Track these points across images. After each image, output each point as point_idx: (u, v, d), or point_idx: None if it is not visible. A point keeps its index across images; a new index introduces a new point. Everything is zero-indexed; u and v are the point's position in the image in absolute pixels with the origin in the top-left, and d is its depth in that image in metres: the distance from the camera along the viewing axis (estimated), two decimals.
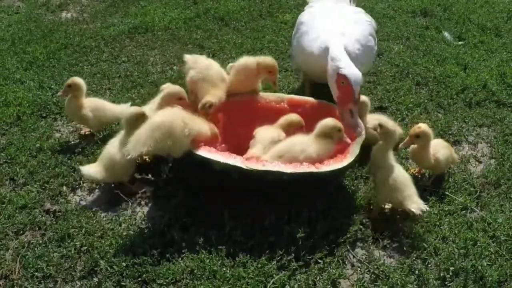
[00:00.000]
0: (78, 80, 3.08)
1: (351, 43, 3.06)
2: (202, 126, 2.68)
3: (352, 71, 2.75)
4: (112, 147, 2.73)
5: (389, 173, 2.56)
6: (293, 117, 2.85)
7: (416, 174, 2.93)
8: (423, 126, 2.72)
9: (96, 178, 2.69)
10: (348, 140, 2.69)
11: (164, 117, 2.57)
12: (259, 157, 2.60)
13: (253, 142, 2.80)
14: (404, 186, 2.55)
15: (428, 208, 2.54)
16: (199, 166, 2.64)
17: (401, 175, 2.58)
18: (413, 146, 2.80)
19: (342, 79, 2.74)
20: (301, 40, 3.22)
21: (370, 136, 2.84)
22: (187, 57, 3.06)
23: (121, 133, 2.74)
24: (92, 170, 2.68)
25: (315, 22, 3.23)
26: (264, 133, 2.80)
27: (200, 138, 2.64)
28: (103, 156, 2.73)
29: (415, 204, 2.50)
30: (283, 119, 2.85)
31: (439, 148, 2.83)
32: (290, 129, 2.80)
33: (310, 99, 3.12)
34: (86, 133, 3.24)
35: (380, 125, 2.63)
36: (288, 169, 2.50)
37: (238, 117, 3.05)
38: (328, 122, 2.68)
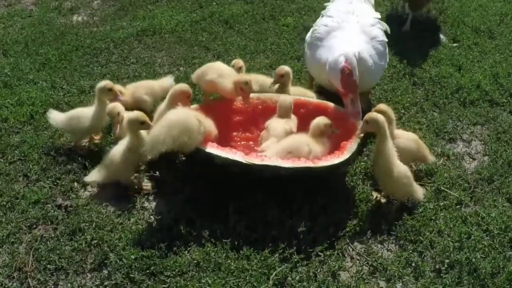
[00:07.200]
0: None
1: (362, 62, 3.08)
2: (211, 124, 2.73)
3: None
4: (115, 148, 2.78)
5: (393, 174, 2.62)
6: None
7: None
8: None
9: (95, 180, 2.78)
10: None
11: (179, 115, 2.58)
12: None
13: (265, 134, 2.83)
14: (407, 185, 2.66)
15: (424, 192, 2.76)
16: (202, 160, 2.68)
17: (403, 171, 2.64)
18: None
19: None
20: (315, 54, 3.23)
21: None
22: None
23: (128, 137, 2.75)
24: (93, 175, 2.80)
25: (331, 39, 3.21)
26: (277, 124, 2.82)
27: (208, 136, 2.67)
28: (105, 157, 2.80)
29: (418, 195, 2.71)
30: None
31: (403, 138, 2.83)
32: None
33: (314, 100, 3.14)
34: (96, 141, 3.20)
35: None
36: (286, 164, 2.53)
37: (244, 118, 3.09)
38: (320, 120, 2.73)
